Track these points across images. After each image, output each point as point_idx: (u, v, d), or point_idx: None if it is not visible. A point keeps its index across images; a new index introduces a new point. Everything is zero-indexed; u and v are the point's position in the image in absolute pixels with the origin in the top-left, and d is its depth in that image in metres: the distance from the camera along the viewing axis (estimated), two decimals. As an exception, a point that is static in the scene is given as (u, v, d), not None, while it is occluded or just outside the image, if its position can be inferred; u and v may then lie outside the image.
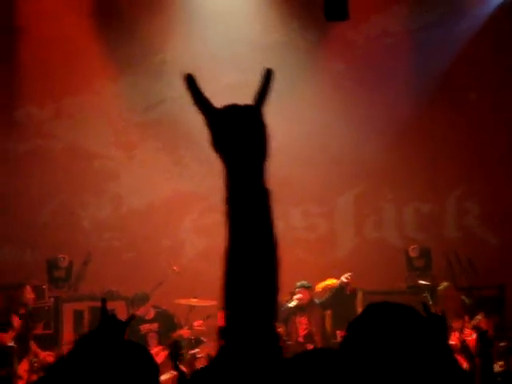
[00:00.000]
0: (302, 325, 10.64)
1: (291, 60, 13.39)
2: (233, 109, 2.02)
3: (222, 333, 1.95)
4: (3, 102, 13.36)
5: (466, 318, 9.87)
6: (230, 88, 13.52)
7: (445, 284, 10.87)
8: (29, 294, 10.28)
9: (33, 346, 10.04)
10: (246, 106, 2.02)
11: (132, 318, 3.52)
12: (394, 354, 1.95)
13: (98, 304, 10.87)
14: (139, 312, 10.60)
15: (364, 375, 1.96)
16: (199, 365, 9.56)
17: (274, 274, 1.95)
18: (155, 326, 10.73)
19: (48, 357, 9.90)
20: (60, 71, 13.25)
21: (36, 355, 9.91)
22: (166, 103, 13.65)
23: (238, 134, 1.96)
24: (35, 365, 9.69)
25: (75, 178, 13.38)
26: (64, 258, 12.22)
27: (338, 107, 13.25)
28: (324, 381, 2.09)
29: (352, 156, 13.18)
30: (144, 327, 10.58)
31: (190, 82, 2.03)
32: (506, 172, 13.09)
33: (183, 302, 10.92)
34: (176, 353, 7.91)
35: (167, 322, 10.92)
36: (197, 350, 10.08)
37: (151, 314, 10.93)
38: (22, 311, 10.09)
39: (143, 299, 10.97)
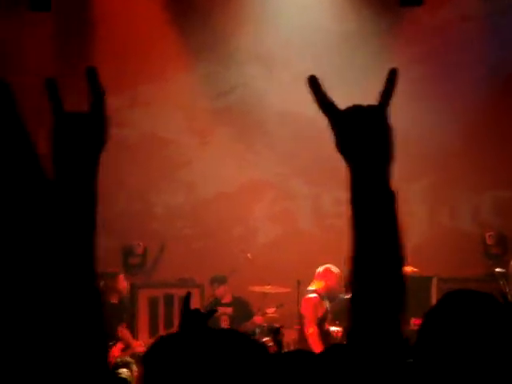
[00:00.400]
0: None
1: (364, 47, 13.29)
2: (357, 110, 1.99)
3: (349, 334, 1.93)
4: (79, 91, 13.53)
5: None
6: (302, 76, 13.42)
7: None
8: (122, 283, 10.42)
9: (124, 334, 10.12)
10: (370, 107, 1.99)
11: (189, 295, 3.50)
12: (475, 343, 1.91)
13: (172, 291, 11.02)
14: (217, 292, 10.72)
15: (443, 365, 1.92)
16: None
17: (401, 276, 1.93)
18: (230, 310, 10.80)
19: (139, 347, 9.94)
20: (134, 60, 13.38)
21: (128, 344, 10.00)
22: (238, 90, 13.70)
23: (363, 136, 1.94)
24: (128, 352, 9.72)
25: (149, 165, 13.52)
26: (139, 245, 12.38)
27: (412, 95, 13.07)
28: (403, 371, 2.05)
29: (426, 141, 13.01)
30: (219, 309, 10.64)
31: (313, 83, 2.01)
32: None
33: (257, 289, 10.97)
34: (278, 340, 7.86)
35: (242, 309, 10.99)
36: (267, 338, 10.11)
37: (229, 297, 11.02)
38: (115, 300, 10.22)
39: (222, 281, 11.06)
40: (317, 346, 8.79)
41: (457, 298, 2.03)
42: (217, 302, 10.70)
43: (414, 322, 10.54)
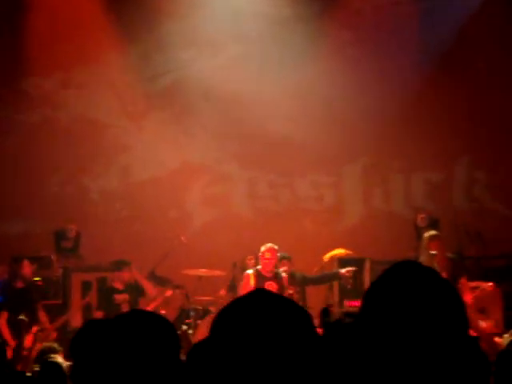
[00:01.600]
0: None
1: (297, 32, 13.33)
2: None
3: None
4: (12, 72, 13.32)
5: (464, 278, 9.73)
6: (234, 60, 13.48)
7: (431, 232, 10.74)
8: (26, 268, 10.26)
9: (42, 316, 10.05)
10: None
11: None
12: (417, 314, 1.92)
13: (105, 274, 10.89)
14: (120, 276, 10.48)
15: (386, 337, 1.93)
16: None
17: None
18: (126, 296, 10.57)
19: (53, 333, 9.95)
20: (68, 42, 13.20)
21: (43, 328, 9.92)
22: (173, 74, 13.62)
23: None
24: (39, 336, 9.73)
25: (84, 148, 13.37)
26: (72, 229, 12.24)
27: (346, 77, 13.19)
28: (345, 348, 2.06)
29: (360, 126, 13.13)
30: (119, 297, 10.50)
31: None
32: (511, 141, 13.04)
33: (191, 272, 10.93)
34: (326, 322, 7.80)
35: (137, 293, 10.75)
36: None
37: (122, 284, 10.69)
38: (20, 285, 10.09)
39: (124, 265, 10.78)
40: None
41: (397, 271, 2.03)
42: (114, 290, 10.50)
43: (349, 304, 10.72)
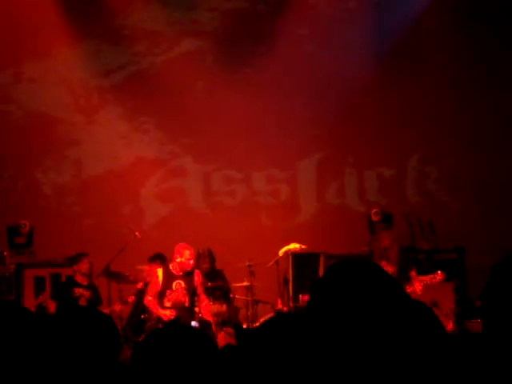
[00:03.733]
0: None
1: (253, 26, 13.36)
2: None
3: None
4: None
5: (414, 270, 9.88)
6: (188, 54, 13.46)
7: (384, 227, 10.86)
8: None
9: None
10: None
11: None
12: (360, 308, 1.95)
13: (59, 270, 10.83)
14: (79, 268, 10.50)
15: (332, 332, 1.96)
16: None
17: None
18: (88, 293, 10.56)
19: None
20: (19, 35, 13.05)
21: None
22: (126, 68, 13.55)
23: None
24: None
25: (35, 143, 13.25)
26: (25, 225, 12.13)
27: (301, 72, 13.25)
28: (292, 343, 2.09)
29: (313, 121, 13.19)
30: (78, 291, 10.48)
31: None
32: (462, 136, 13.19)
33: (145, 268, 10.90)
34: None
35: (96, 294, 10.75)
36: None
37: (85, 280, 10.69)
38: None
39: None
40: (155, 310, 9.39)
41: (341, 268, 2.07)
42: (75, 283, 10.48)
43: (303, 299, 10.78)
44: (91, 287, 10.63)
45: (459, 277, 11.42)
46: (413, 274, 9.67)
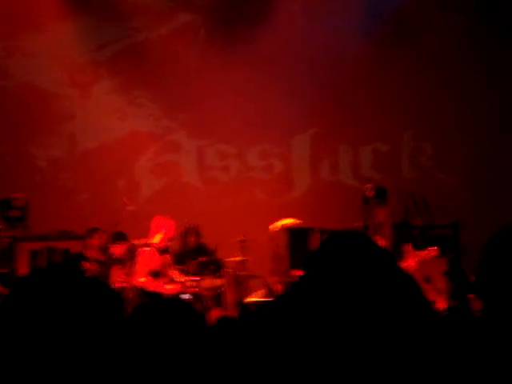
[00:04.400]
0: None
1: (246, 1, 13.32)
2: None
3: None
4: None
5: (409, 245, 9.90)
6: (182, 28, 13.41)
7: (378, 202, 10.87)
8: None
9: None
10: None
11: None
12: (353, 280, 1.96)
13: (53, 244, 10.84)
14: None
15: (325, 305, 1.97)
16: None
17: None
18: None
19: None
20: (12, 9, 12.99)
21: None
22: (120, 42, 13.50)
23: None
24: None
25: (29, 117, 13.21)
26: (20, 198, 12.12)
27: (295, 49, 13.21)
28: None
29: (308, 96, 13.17)
30: (86, 265, 10.50)
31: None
32: (457, 113, 13.19)
33: (140, 242, 10.90)
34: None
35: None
36: None
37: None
38: None
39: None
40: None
41: (334, 241, 2.07)
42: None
43: (295, 273, 10.80)
44: (100, 262, 10.64)
45: (454, 252, 11.45)
46: (407, 248, 9.69)
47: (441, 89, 13.23)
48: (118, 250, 9.93)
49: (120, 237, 10.19)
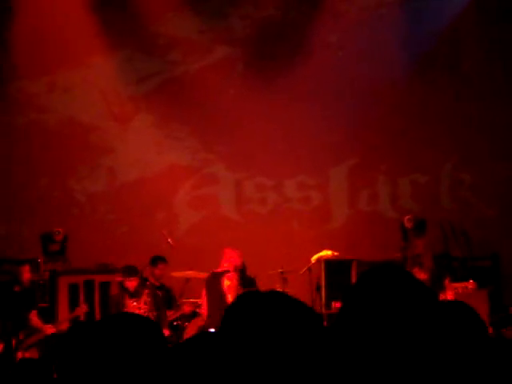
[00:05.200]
0: None
1: (284, 34, 13.38)
2: None
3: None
4: (-2, 76, 13.31)
5: (448, 279, 9.81)
6: (221, 61, 13.50)
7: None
8: (26, 274, 10.25)
9: (34, 320, 10.02)
10: None
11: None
12: (392, 315, 1.94)
13: (93, 277, 10.93)
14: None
15: (364, 339, 1.96)
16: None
17: None
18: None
19: (49, 329, 9.94)
20: (53, 45, 13.18)
21: (39, 329, 9.91)
22: (160, 76, 13.62)
23: None
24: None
25: (70, 151, 13.36)
26: (59, 232, 12.23)
27: (330, 79, 13.22)
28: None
29: (346, 127, 13.16)
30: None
31: None
32: (496, 143, 13.09)
33: (178, 274, 10.94)
34: None
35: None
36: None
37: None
38: (17, 289, 10.07)
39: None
40: None
41: (371, 276, 2.06)
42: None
43: (336, 306, 10.74)
44: (163, 288, 10.81)
45: (494, 284, 11.32)
46: (447, 282, 9.59)
47: (480, 119, 13.15)
48: (131, 283, 9.97)
49: (132, 271, 10.23)
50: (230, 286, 9.56)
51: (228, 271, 9.59)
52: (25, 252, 11.80)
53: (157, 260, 10.99)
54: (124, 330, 2.22)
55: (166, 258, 11.06)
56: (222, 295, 9.49)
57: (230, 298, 9.39)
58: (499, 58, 13.10)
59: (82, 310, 10.36)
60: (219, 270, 9.65)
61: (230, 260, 9.68)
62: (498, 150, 13.07)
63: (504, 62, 13.09)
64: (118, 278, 10.18)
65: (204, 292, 9.72)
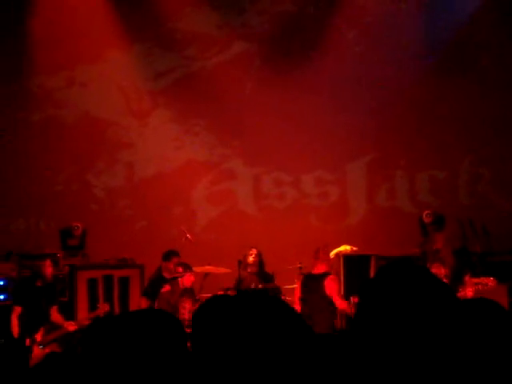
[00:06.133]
0: None
1: (302, 29, 13.37)
2: None
3: None
4: (15, 71, 13.34)
5: (468, 274, 9.76)
6: (238, 56, 13.50)
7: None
8: (48, 268, 10.29)
9: (55, 316, 10.05)
10: None
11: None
12: (409, 311, 1.94)
13: (111, 272, 10.96)
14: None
15: (381, 334, 1.95)
16: None
17: None
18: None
19: (70, 326, 9.95)
20: (71, 40, 13.23)
21: (60, 325, 9.94)
22: (177, 71, 13.64)
23: None
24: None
25: (88, 146, 13.41)
26: (78, 227, 12.29)
27: (351, 74, 13.20)
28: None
29: (363, 122, 13.14)
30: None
31: None
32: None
33: (197, 270, 10.94)
34: None
35: None
36: None
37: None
38: (39, 283, 10.11)
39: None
40: None
41: (389, 271, 2.05)
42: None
43: (354, 300, 10.73)
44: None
45: (512, 279, 11.27)
46: (467, 278, 9.55)
47: (498, 113, 13.09)
48: (186, 280, 10.05)
49: (187, 266, 10.29)
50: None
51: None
52: (43, 247, 11.83)
53: (170, 254, 10.95)
54: (146, 326, 2.22)
55: (178, 252, 11.02)
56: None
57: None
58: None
59: (104, 309, 10.35)
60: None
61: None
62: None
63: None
64: (179, 272, 10.27)
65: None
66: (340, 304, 9.70)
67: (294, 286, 10.79)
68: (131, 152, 13.64)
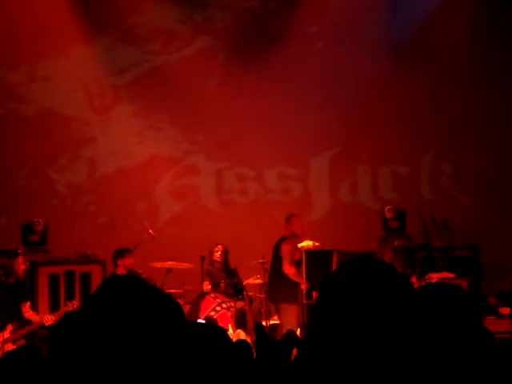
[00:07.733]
0: None
1: (264, 24, 13.39)
2: None
3: None
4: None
5: (414, 276, 9.88)
6: (201, 51, 13.48)
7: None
8: (21, 265, 10.16)
9: (28, 312, 9.93)
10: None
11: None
12: (368, 306, 1.95)
13: (73, 268, 10.85)
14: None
15: (340, 330, 1.96)
16: None
17: None
18: None
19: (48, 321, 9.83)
20: (32, 35, 13.12)
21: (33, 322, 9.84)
22: (140, 66, 13.59)
23: None
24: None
25: (50, 141, 13.30)
26: (39, 222, 12.19)
27: (311, 70, 13.24)
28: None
29: (326, 117, 13.19)
30: None
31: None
32: (477, 133, 13.15)
33: (159, 265, 10.92)
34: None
35: None
36: None
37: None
38: (12, 281, 9.98)
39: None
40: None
41: (349, 267, 2.06)
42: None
43: (316, 296, 10.77)
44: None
45: (473, 274, 11.38)
46: (414, 279, 9.71)
47: (460, 108, 13.20)
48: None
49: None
50: None
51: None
52: (5, 243, 11.72)
53: (123, 252, 10.76)
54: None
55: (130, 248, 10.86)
56: None
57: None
58: (481, 47, 13.12)
59: (74, 305, 10.24)
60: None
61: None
62: (479, 140, 13.13)
63: (488, 52, 13.12)
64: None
65: None
66: (285, 268, 9.95)
67: (256, 281, 10.83)
68: (93, 147, 13.57)
